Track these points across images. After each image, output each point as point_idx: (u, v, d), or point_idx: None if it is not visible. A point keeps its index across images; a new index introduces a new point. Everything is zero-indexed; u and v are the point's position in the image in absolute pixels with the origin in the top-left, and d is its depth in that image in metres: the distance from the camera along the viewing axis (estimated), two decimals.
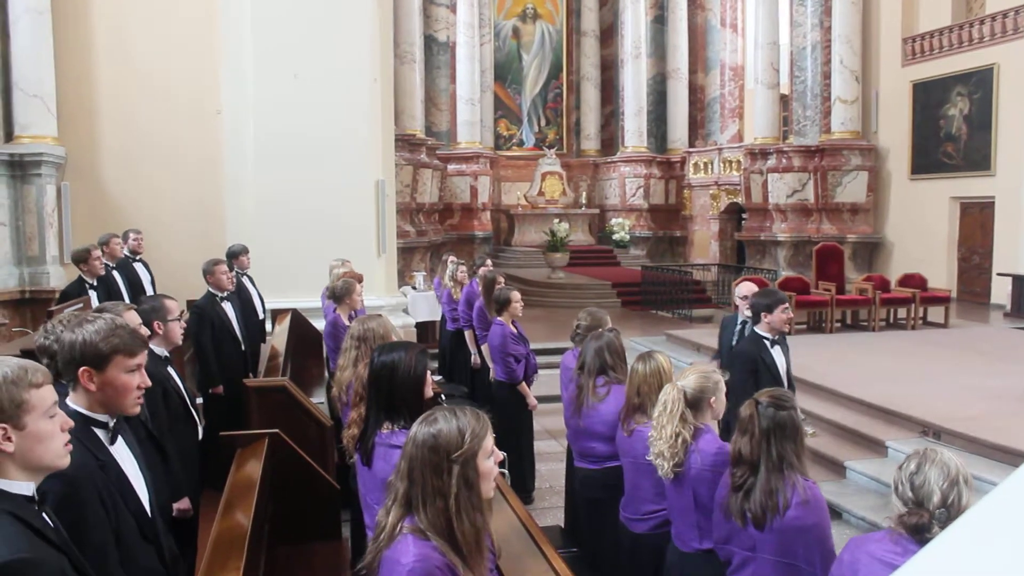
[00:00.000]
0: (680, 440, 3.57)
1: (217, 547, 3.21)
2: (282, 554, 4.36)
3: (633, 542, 4.14)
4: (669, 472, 3.61)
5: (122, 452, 2.81)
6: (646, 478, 4.01)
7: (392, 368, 3.34)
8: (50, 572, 1.93)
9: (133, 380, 2.77)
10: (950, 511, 2.47)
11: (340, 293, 6.76)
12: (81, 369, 2.67)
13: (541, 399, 7.72)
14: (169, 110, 10.76)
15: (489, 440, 2.33)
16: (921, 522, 2.50)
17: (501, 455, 2.38)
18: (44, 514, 2.13)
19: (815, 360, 9.31)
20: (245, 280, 8.68)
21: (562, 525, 6.00)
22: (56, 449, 2.12)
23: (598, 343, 4.75)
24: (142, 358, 2.82)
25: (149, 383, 2.86)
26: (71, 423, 2.19)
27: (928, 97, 17.48)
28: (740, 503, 3.21)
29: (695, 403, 3.65)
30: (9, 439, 2.00)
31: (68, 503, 2.42)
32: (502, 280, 8.23)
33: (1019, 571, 1.06)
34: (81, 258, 8.08)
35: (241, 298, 8.22)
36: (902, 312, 13.54)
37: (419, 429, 2.33)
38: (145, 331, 4.10)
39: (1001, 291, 15.30)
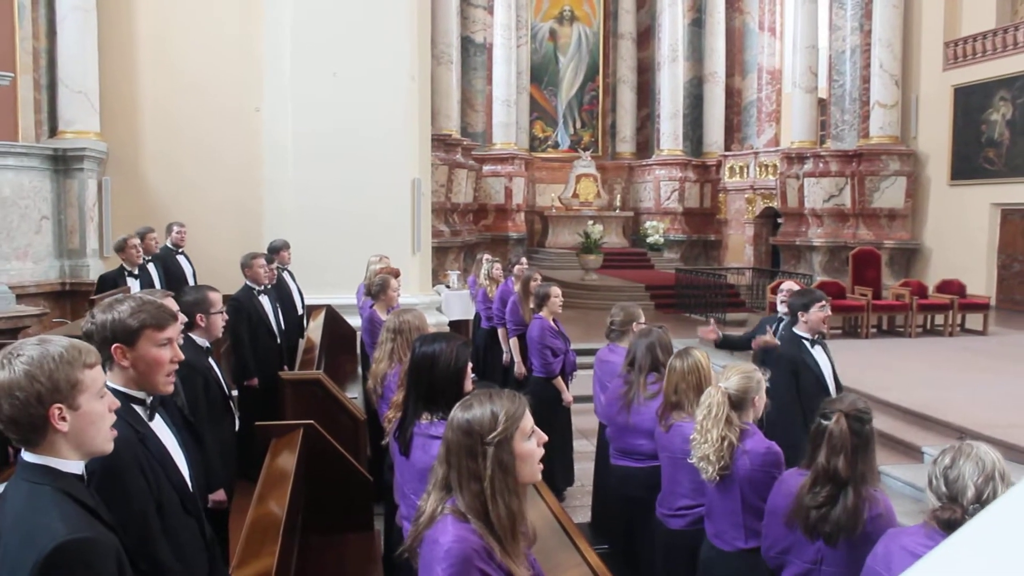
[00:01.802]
0: (727, 443, 3.53)
1: (252, 534, 3.24)
2: (314, 544, 4.39)
3: (669, 538, 4.12)
4: (715, 476, 3.57)
5: (161, 428, 2.85)
6: (684, 474, 3.99)
7: (433, 359, 3.35)
8: (107, 550, 1.95)
9: (164, 354, 2.79)
10: (984, 506, 2.36)
11: (377, 289, 6.79)
12: (114, 346, 2.70)
13: (574, 399, 7.70)
14: (209, 108, 10.87)
15: (526, 422, 2.31)
16: (954, 517, 2.46)
17: (544, 437, 2.37)
18: (94, 490, 2.16)
19: (851, 365, 9.19)
20: (285, 275, 8.76)
21: (589, 521, 6.01)
22: (105, 431, 2.14)
23: (648, 339, 4.73)
24: (171, 331, 2.84)
25: (181, 356, 2.88)
26: (117, 403, 2.21)
27: (969, 102, 17.24)
28: (815, 520, 3.13)
29: (739, 403, 3.62)
30: (64, 418, 2.02)
31: (109, 472, 2.45)
32: (539, 277, 8.25)
33: None
34: (119, 247, 8.39)
35: (280, 293, 8.29)
36: (939, 319, 13.36)
37: (456, 413, 2.34)
38: (183, 318, 4.14)
39: None
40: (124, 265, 8.39)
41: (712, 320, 7.50)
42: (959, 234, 17.37)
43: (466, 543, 2.19)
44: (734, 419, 3.59)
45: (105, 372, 2.72)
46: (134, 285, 8.08)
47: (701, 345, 11.78)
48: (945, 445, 6.83)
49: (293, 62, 9.76)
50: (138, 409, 2.76)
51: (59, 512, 1.92)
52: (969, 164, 17.28)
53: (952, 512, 2.47)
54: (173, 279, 8.82)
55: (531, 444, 2.32)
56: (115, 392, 2.68)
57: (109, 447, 2.17)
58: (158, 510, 2.62)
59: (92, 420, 2.09)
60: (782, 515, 3.28)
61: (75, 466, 2.07)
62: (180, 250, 9.46)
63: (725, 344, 7.04)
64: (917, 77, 18.33)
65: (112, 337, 2.71)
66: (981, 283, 15.87)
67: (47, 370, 2.00)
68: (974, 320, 13.36)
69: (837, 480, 3.11)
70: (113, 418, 2.18)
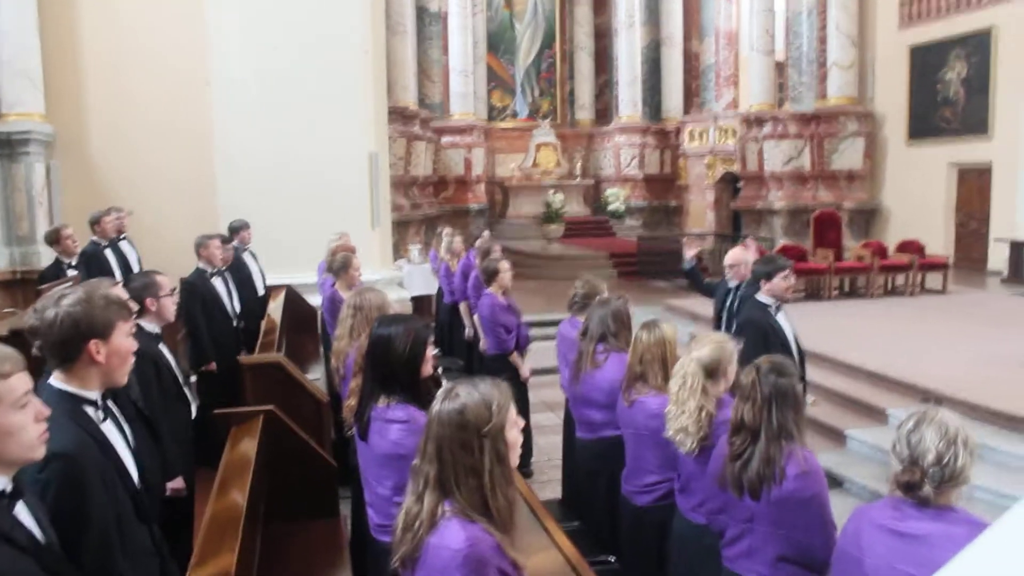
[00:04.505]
0: (704, 414, 3.49)
1: (212, 528, 3.14)
2: (278, 532, 4.30)
3: (635, 515, 4.08)
4: (695, 447, 3.53)
5: (112, 430, 2.72)
6: (649, 450, 3.95)
7: (388, 342, 3.28)
8: None
9: (132, 344, 2.72)
10: (944, 471, 2.42)
11: (338, 267, 6.69)
12: (90, 342, 2.56)
13: (538, 371, 7.67)
14: (159, 84, 10.57)
15: (513, 410, 2.25)
16: (913, 479, 2.46)
17: (523, 422, 2.31)
18: (26, 504, 2.02)
19: (814, 328, 9.22)
20: (246, 256, 8.58)
21: (559, 498, 5.97)
22: (26, 441, 2.00)
23: (603, 310, 4.67)
24: (132, 320, 2.80)
25: (136, 345, 2.80)
26: (47, 412, 2.08)
27: (925, 61, 17.32)
28: (738, 472, 3.13)
29: (712, 373, 3.57)
30: None
31: (71, 485, 2.33)
32: (498, 249, 8.15)
33: None
34: (52, 239, 7.98)
35: (241, 275, 8.12)
36: (900, 279, 13.48)
37: (442, 407, 2.23)
38: (134, 306, 4.02)
39: (998, 257, 15.23)
40: (60, 257, 7.95)
41: (693, 240, 7.53)
42: (917, 194, 17.51)
43: (482, 543, 2.12)
44: (709, 389, 3.55)
45: (54, 373, 2.59)
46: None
47: (665, 313, 11.82)
48: (909, 406, 6.93)
49: (243, 34, 9.52)
50: (89, 411, 2.62)
51: None
52: (926, 123, 17.39)
53: (912, 475, 2.47)
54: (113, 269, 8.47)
55: (516, 432, 2.26)
56: (64, 394, 2.55)
57: (37, 454, 2.05)
58: (116, 521, 2.50)
59: (8, 433, 1.95)
60: (716, 475, 3.29)
61: None
62: (123, 236, 9.03)
63: (692, 273, 7.14)
64: (873, 37, 18.38)
65: (88, 332, 2.57)
66: (939, 242, 16.05)
67: None
68: (934, 279, 13.50)
69: (746, 428, 3.13)
70: (41, 427, 2.04)
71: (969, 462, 2.46)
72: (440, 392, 2.31)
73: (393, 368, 3.28)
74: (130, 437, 2.84)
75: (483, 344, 7.90)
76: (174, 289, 4.85)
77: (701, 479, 3.60)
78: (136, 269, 8.44)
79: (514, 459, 2.26)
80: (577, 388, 4.70)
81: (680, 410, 3.54)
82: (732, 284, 6.39)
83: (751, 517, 3.14)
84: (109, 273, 8.02)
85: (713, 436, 3.50)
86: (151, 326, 4.49)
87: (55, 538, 2.10)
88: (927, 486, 2.44)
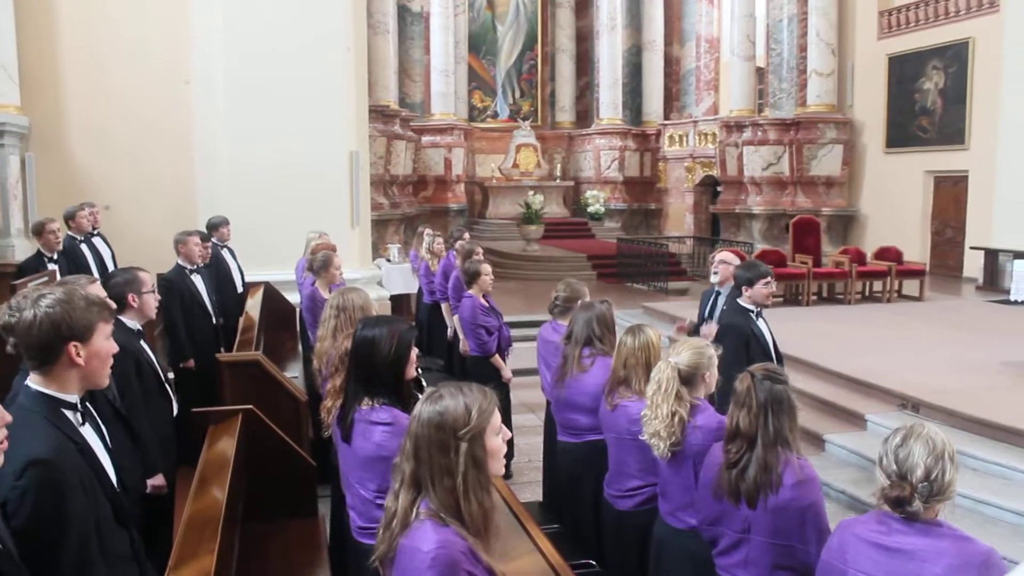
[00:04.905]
0: (677, 419, 3.47)
1: (190, 528, 3.10)
2: (256, 531, 4.26)
3: (617, 519, 4.06)
4: (666, 452, 3.50)
5: (90, 433, 2.65)
6: (631, 454, 3.93)
7: (372, 344, 3.25)
8: None
9: (112, 346, 2.64)
10: (932, 486, 2.43)
11: (319, 266, 6.63)
12: (70, 344, 2.48)
13: (518, 372, 7.65)
14: (140, 79, 10.45)
15: (496, 417, 2.25)
16: (903, 495, 2.45)
17: (509, 433, 2.30)
18: None
19: (792, 333, 9.27)
20: (225, 252, 8.50)
21: (540, 500, 5.95)
22: None
23: (588, 313, 4.65)
24: (112, 321, 2.72)
25: (116, 347, 2.72)
26: (8, 418, 2.02)
27: (903, 70, 17.47)
28: (734, 480, 3.11)
29: (689, 379, 3.55)
30: None
31: (50, 490, 2.28)
32: (480, 251, 8.13)
33: None
34: (37, 231, 7.90)
35: (219, 271, 8.05)
36: (878, 285, 13.60)
37: (424, 407, 2.24)
38: (113, 304, 3.96)
39: (973, 265, 15.41)
40: (42, 250, 7.84)
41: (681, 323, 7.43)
42: (894, 201, 17.68)
43: (452, 547, 2.11)
44: (684, 394, 3.53)
45: (32, 375, 2.52)
46: (56, 273, 7.65)
47: (644, 315, 11.83)
48: (888, 412, 6.96)
49: (225, 30, 9.43)
50: (68, 414, 2.54)
51: None
52: (903, 132, 17.55)
53: (901, 490, 2.47)
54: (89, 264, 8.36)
55: (498, 440, 2.26)
56: (42, 396, 2.48)
57: None
58: (96, 526, 2.44)
59: None
60: (710, 485, 3.26)
61: None
62: (96, 232, 8.89)
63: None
64: (853, 46, 18.53)
65: (69, 334, 2.48)
66: (916, 249, 16.19)
67: None
68: (911, 286, 13.62)
69: (742, 435, 3.11)
70: (1, 433, 1.99)
71: (955, 477, 2.47)
72: (426, 393, 2.31)
73: (377, 370, 3.26)
74: (107, 439, 2.78)
75: (463, 345, 7.88)
76: (154, 285, 4.79)
77: (674, 483, 3.60)
78: (111, 265, 8.35)
79: (496, 468, 2.26)
80: (562, 392, 4.67)
81: (654, 414, 3.52)
82: (715, 281, 6.41)
83: (748, 527, 3.12)
84: (86, 268, 7.94)
85: (686, 442, 3.50)
86: (132, 322, 4.43)
87: (13, 545, 2.04)
88: (916, 501, 2.44)
